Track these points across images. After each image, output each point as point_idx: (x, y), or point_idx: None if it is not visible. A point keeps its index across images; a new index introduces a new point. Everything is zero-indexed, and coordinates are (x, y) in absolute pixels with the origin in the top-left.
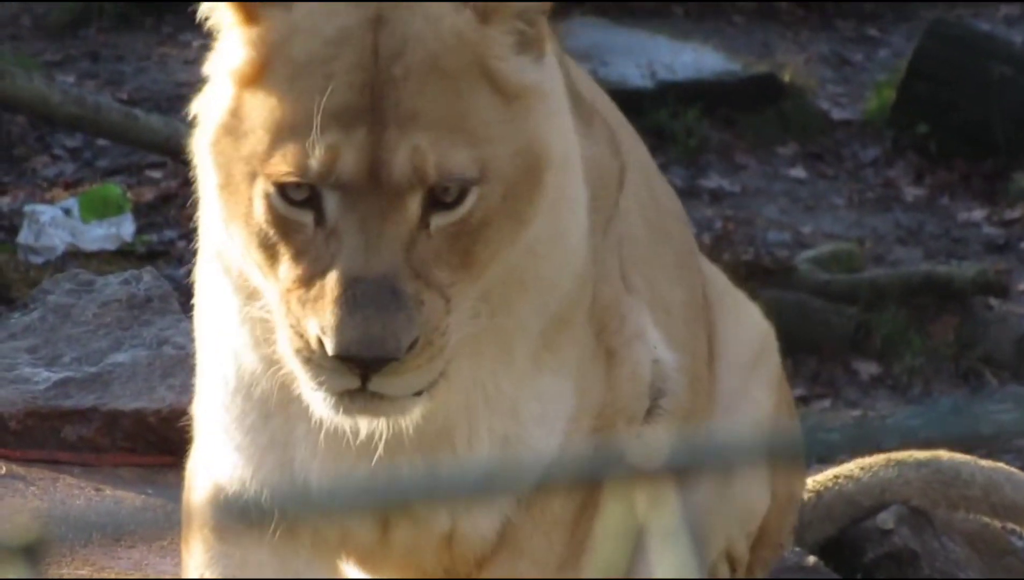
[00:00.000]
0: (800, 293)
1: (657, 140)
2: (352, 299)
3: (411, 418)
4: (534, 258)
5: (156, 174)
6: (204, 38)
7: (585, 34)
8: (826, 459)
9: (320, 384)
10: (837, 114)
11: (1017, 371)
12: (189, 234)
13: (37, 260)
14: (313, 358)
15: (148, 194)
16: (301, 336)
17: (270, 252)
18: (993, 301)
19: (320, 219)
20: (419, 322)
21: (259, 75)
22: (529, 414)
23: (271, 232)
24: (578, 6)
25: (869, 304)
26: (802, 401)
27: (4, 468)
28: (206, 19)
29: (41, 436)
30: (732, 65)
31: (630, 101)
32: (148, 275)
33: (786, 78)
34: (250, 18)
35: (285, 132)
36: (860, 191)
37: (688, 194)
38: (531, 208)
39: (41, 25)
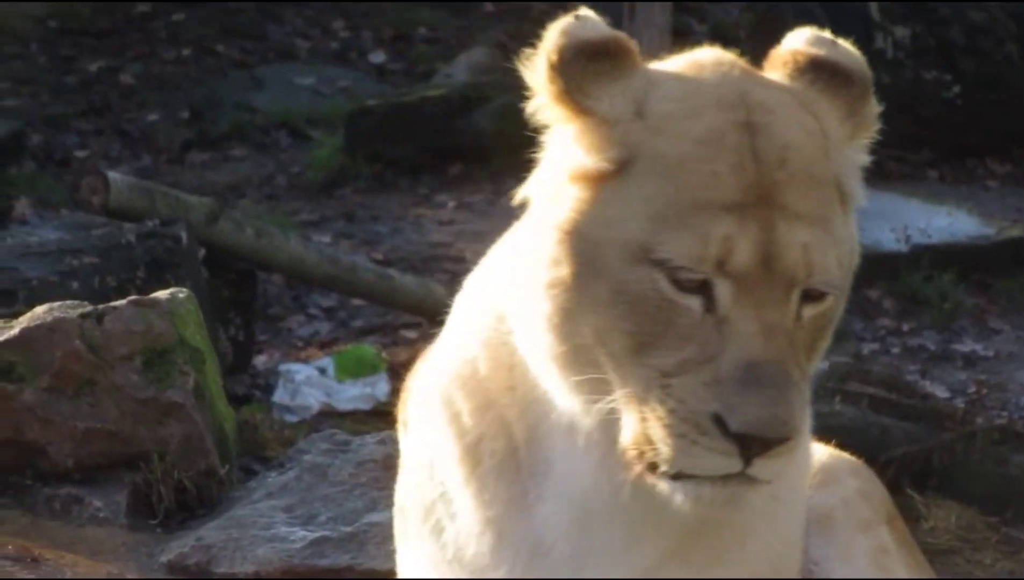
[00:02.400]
0: None
1: (911, 304)
2: (756, 380)
3: (755, 506)
4: None
5: (411, 334)
6: (458, 199)
7: None
8: None
9: (693, 467)
10: None
11: None
12: None
13: (292, 419)
14: (699, 441)
15: (403, 355)
16: (688, 421)
17: (636, 339)
18: None
19: (710, 306)
20: (803, 405)
21: (622, 170)
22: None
23: (648, 317)
24: None
25: None
26: None
27: None
28: (537, 118)
29: None
30: (986, 229)
31: (884, 264)
32: None
33: None
34: (587, 115)
35: (672, 222)
36: None
37: (941, 358)
38: (841, 310)
39: (297, 185)
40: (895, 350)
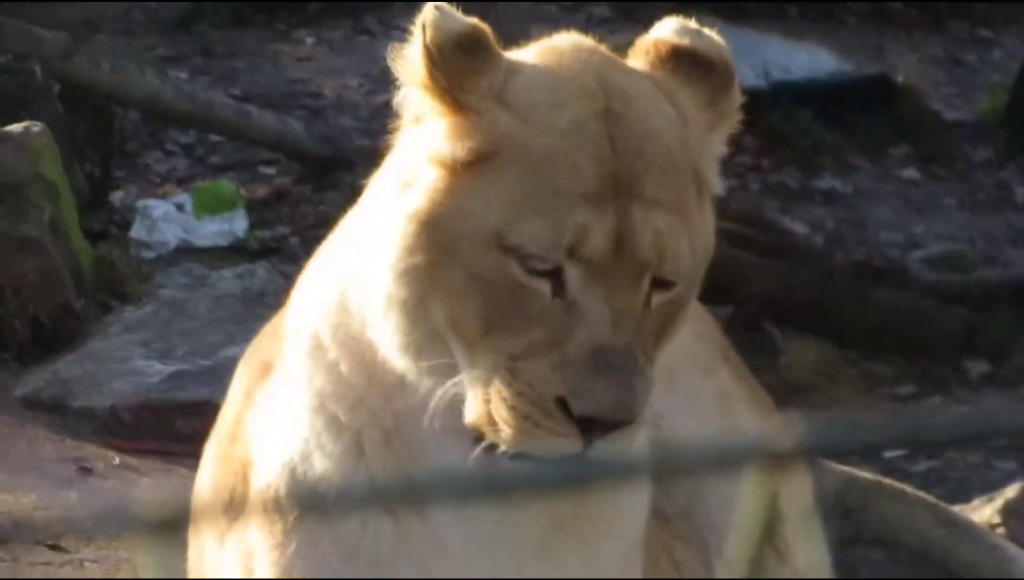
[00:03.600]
0: (911, 293)
1: (771, 140)
2: (602, 365)
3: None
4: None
5: (269, 171)
6: (317, 35)
7: None
8: (935, 455)
9: (535, 448)
10: (949, 115)
11: None
12: (302, 231)
13: (149, 255)
14: (543, 423)
15: (261, 191)
16: (533, 403)
17: (486, 322)
18: None
19: (559, 290)
20: (648, 391)
21: (483, 161)
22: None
23: (500, 302)
24: (692, 6)
25: (980, 305)
26: (912, 398)
27: (118, 459)
28: (402, 103)
29: (154, 428)
30: (846, 66)
31: (744, 101)
32: (262, 270)
33: (899, 79)
34: (461, 109)
35: (528, 212)
36: (972, 192)
37: (801, 195)
38: (694, 297)
39: (153, 21)
40: (755, 187)
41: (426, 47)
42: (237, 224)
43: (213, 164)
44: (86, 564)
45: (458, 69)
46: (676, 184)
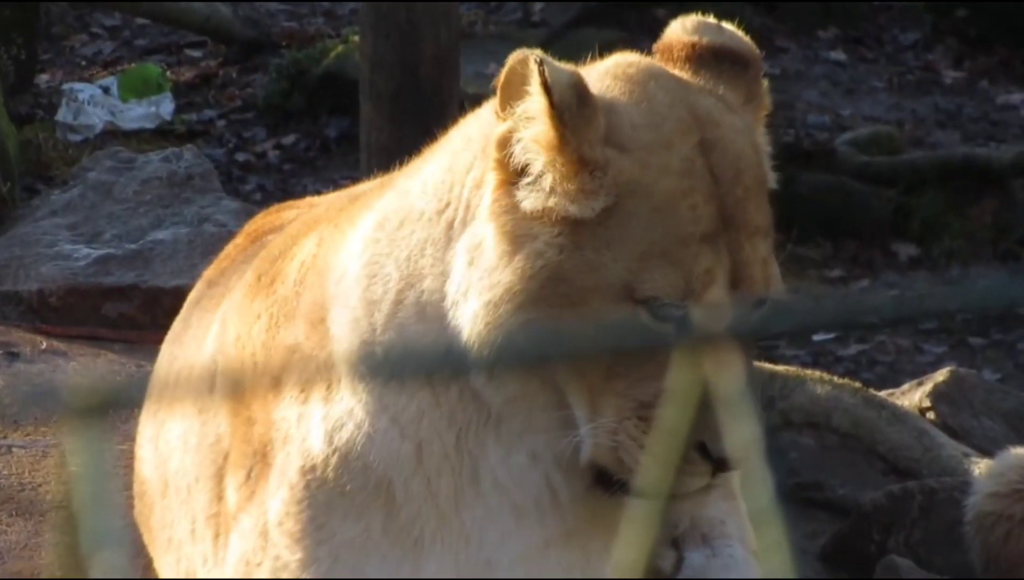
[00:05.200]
0: (840, 176)
1: None
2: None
3: None
4: None
5: (196, 53)
6: None
7: None
8: (865, 338)
9: (672, 488)
10: None
11: None
12: (228, 114)
13: (75, 138)
14: (680, 467)
15: (187, 74)
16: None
17: (610, 372)
18: None
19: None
20: None
21: (608, 211)
22: None
23: (628, 350)
24: None
25: (908, 187)
26: (841, 281)
27: (45, 344)
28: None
29: (82, 313)
30: None
31: None
32: (189, 153)
33: None
34: (586, 166)
35: (657, 261)
36: (900, 74)
37: None
38: None
39: None
40: None
41: (554, 108)
42: (163, 107)
43: (139, 47)
44: (14, 450)
45: (584, 125)
46: (765, 202)
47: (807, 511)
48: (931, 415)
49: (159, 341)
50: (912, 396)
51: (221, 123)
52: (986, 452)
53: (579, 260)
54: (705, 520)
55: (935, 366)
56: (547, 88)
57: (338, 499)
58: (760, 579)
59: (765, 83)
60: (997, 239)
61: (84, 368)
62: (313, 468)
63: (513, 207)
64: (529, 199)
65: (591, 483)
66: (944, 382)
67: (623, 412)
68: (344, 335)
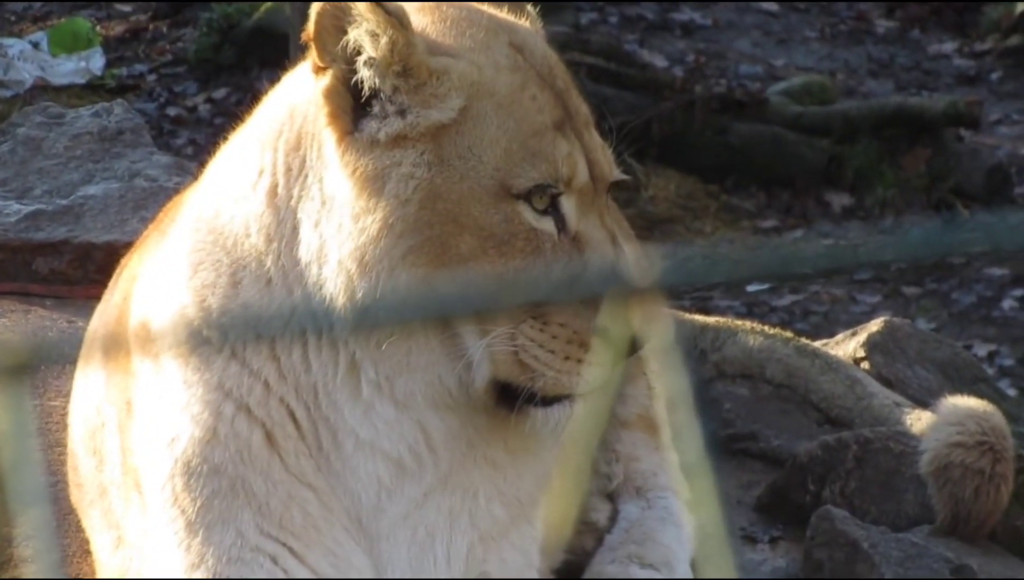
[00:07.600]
0: (773, 126)
1: None
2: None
3: None
4: None
5: (126, 8)
6: None
7: None
8: (799, 289)
9: (578, 386)
10: None
11: (987, 201)
12: (159, 68)
13: (5, 94)
14: (585, 358)
15: (118, 28)
16: (570, 341)
17: (504, 279)
18: (964, 133)
19: (562, 225)
20: None
21: (462, 118)
22: None
23: (519, 252)
24: None
25: (841, 136)
26: (775, 232)
27: None
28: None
29: (12, 269)
30: None
31: None
32: (119, 108)
33: None
34: (431, 74)
35: (520, 152)
36: (832, 24)
37: (660, 27)
38: None
39: None
40: (614, 19)
41: (392, 14)
42: (94, 62)
43: (69, 2)
44: None
45: (416, 38)
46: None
47: (742, 462)
48: (866, 365)
49: (90, 296)
50: (846, 346)
51: (152, 77)
52: (920, 402)
53: (449, 172)
54: (639, 473)
55: (870, 316)
56: (384, 10)
57: (199, 512)
58: (693, 528)
59: (529, 6)
60: (930, 188)
61: (14, 324)
62: (163, 487)
63: (366, 148)
64: (385, 127)
65: (494, 405)
66: (878, 332)
67: (518, 317)
68: (169, 329)
